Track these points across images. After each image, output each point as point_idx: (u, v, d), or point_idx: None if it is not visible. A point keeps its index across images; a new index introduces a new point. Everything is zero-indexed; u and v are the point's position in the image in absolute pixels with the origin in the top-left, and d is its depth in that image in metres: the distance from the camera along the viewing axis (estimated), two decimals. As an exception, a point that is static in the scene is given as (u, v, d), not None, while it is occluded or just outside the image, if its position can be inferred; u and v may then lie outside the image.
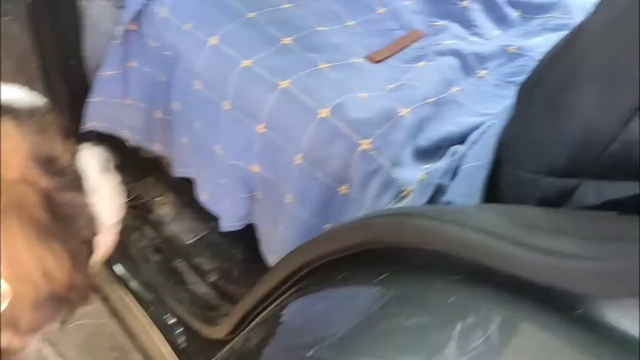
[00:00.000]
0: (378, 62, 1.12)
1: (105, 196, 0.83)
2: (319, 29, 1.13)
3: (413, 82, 1.04)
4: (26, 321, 0.64)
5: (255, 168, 1.04)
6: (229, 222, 1.16)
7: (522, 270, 0.49)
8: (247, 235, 1.20)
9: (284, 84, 0.99)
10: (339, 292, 0.71)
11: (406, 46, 1.18)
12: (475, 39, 1.21)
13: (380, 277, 0.61)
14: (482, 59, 1.15)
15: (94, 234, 0.74)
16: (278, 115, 0.99)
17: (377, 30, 1.20)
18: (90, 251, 0.74)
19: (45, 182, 0.67)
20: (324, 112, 0.95)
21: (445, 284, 0.56)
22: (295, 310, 0.76)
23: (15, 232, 0.62)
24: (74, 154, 0.77)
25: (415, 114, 0.96)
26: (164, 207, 1.38)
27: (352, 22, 1.19)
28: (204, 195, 1.20)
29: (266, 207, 1.08)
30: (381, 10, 1.24)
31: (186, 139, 1.20)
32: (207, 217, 1.31)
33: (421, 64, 1.11)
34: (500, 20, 1.28)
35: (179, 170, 1.29)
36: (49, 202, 0.66)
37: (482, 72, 1.13)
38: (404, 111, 0.95)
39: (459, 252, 0.54)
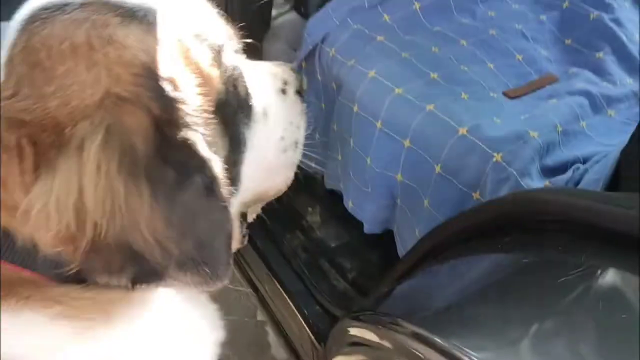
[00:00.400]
0: (513, 98, 1.29)
1: (277, 121, 0.74)
2: (463, 68, 1.33)
3: (545, 113, 1.19)
4: (86, 265, 0.53)
5: (399, 177, 1.23)
6: (371, 226, 1.35)
7: (616, 223, 0.63)
8: (385, 243, 1.39)
9: (430, 107, 1.19)
10: (454, 266, 0.86)
11: (541, 87, 1.33)
12: (607, 84, 1.33)
13: (504, 240, 0.76)
14: (612, 100, 1.27)
15: (214, 182, 0.59)
16: (423, 132, 1.18)
17: (514, 73, 1.36)
18: (220, 216, 0.60)
19: (157, 109, 0.55)
20: (462, 130, 1.13)
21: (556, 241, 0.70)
22: (406, 285, 0.91)
23: (95, 155, 0.52)
24: (215, 82, 0.65)
25: (544, 138, 1.10)
26: (314, 216, 1.61)
27: (492, 65, 1.37)
28: (350, 203, 1.41)
29: (405, 212, 1.26)
30: (519, 57, 1.41)
31: (340, 155, 1.43)
32: (350, 227, 1.53)
33: (553, 100, 1.26)
34: (635, 70, 1.39)
35: (330, 183, 1.51)
36: (156, 134, 0.54)
37: (611, 112, 1.25)
38: (534, 134, 1.10)
39: (569, 214, 0.68)
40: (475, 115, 1.16)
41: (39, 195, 0.52)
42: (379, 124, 1.26)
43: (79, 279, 0.56)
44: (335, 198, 1.56)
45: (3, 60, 0.58)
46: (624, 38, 1.39)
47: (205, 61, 0.64)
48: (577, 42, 1.43)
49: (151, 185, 0.53)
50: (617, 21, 1.44)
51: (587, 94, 1.26)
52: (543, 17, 1.51)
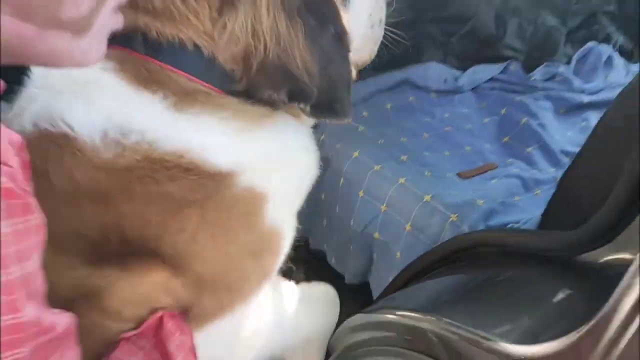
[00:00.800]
0: (465, 178, 1.66)
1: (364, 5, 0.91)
2: (425, 154, 1.70)
3: (488, 190, 1.56)
4: (257, 80, 0.72)
5: (377, 235, 1.55)
6: (351, 278, 1.65)
7: (538, 246, 0.96)
8: (360, 295, 1.67)
9: (401, 180, 1.54)
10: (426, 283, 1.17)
11: (485, 171, 1.71)
12: (535, 171, 1.72)
13: (461, 264, 1.08)
14: (538, 183, 1.65)
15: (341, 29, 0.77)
16: (396, 199, 1.52)
17: (464, 160, 1.74)
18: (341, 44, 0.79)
19: None
20: (427, 197, 1.47)
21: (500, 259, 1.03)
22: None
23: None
24: None
25: (488, 205, 1.45)
26: (298, 274, 1.89)
27: (448, 153, 1.75)
28: (333, 259, 1.71)
29: (380, 265, 1.56)
30: (468, 148, 1.80)
31: (326, 220, 1.74)
32: (330, 282, 1.81)
33: (494, 181, 1.63)
34: (555, 162, 1.79)
35: (314, 244, 1.82)
36: None
37: (538, 191, 1.62)
38: (480, 202, 1.45)
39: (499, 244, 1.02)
40: (436, 187, 1.51)
41: (227, 23, 0.71)
42: (361, 193, 1.60)
43: (241, 93, 0.75)
44: (314, 261, 1.85)
45: None
46: (547, 138, 1.80)
47: None
48: (512, 140, 1.84)
49: (302, 23, 0.72)
50: (542, 125, 1.86)
51: (520, 178, 1.64)
52: (486, 120, 1.93)
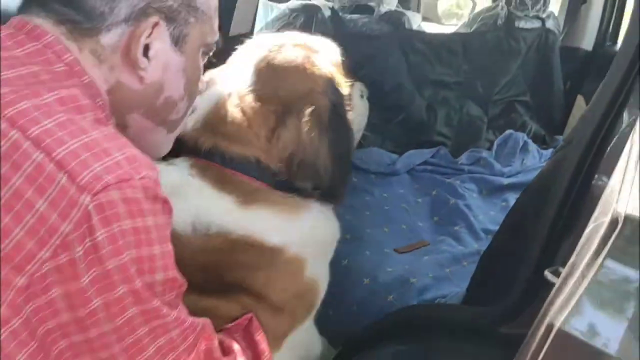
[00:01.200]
0: (401, 253, 1.87)
1: (358, 113, 1.23)
2: (367, 231, 1.91)
3: (421, 266, 1.77)
4: (292, 173, 1.03)
5: (331, 312, 1.71)
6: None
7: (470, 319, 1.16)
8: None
9: (344, 262, 1.73)
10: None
11: (419, 248, 1.93)
12: (461, 247, 1.96)
13: (397, 336, 1.27)
14: (465, 256, 1.87)
15: (351, 142, 1.14)
16: (341, 282, 1.67)
17: (401, 237, 1.96)
18: (349, 152, 1.14)
19: (333, 96, 1.06)
20: (366, 281, 1.67)
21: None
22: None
23: (306, 121, 1.01)
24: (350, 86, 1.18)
25: (421, 282, 1.66)
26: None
27: (387, 229, 1.96)
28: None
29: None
30: (404, 226, 2.03)
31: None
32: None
33: (427, 257, 1.85)
34: (479, 239, 2.03)
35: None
36: (333, 110, 1.04)
37: (465, 263, 1.85)
38: (413, 280, 1.66)
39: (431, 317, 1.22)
40: (374, 268, 1.71)
41: (280, 137, 1.03)
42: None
43: (284, 187, 1.05)
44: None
45: (252, 70, 1.09)
46: (472, 218, 2.05)
47: (342, 72, 1.18)
48: (441, 219, 2.08)
49: (327, 137, 1.03)
50: (468, 206, 2.11)
51: (449, 252, 1.87)
52: (419, 200, 2.17)
